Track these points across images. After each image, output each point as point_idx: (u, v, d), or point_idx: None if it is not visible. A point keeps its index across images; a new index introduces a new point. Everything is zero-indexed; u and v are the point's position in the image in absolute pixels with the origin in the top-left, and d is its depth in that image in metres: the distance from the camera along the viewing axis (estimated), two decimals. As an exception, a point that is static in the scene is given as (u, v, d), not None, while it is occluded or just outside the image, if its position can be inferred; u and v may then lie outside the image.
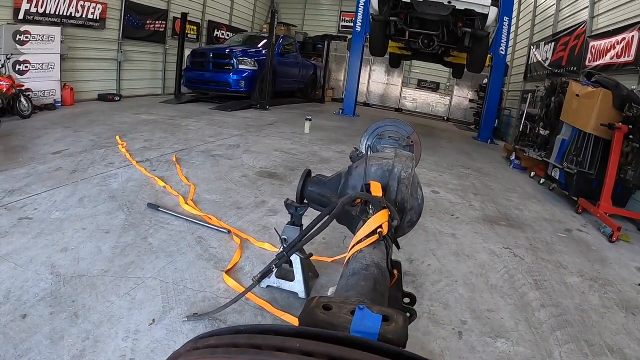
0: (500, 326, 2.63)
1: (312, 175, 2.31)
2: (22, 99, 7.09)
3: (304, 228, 1.99)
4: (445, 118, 16.49)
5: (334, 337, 0.39)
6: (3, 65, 7.14)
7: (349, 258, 1.27)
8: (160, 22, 11.70)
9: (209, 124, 8.12)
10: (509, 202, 5.55)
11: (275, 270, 2.35)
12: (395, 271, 1.37)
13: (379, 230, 1.35)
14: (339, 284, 1.13)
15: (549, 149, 6.59)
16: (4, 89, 6.70)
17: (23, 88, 7.33)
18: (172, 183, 4.49)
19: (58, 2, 8.43)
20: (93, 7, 9.31)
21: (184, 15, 11.56)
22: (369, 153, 2.41)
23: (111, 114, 8.14)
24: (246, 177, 5.02)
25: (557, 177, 6.14)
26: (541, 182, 6.82)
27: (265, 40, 11.83)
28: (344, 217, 1.80)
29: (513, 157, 8.25)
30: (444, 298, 2.88)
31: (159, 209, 3.73)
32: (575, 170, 5.58)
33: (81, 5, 8.99)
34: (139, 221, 3.47)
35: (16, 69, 7.59)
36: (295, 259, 2.53)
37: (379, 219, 1.40)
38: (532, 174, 7.35)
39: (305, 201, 2.32)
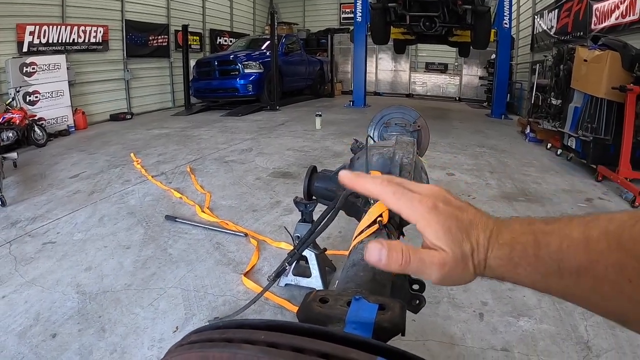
0: (522, 305, 2.59)
1: (318, 170, 2.32)
2: (36, 129, 7.29)
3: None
4: (457, 98, 16.25)
5: (299, 328, 0.42)
6: (14, 99, 7.32)
7: (350, 250, 1.28)
8: (162, 37, 11.84)
9: (221, 131, 8.21)
10: (526, 177, 5.46)
11: (289, 268, 2.38)
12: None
13: (378, 219, 1.36)
14: (340, 277, 1.15)
15: (562, 118, 6.44)
16: (17, 121, 6.89)
17: (36, 118, 7.54)
18: (188, 193, 4.57)
19: (60, 31, 8.63)
20: (94, 31, 9.50)
21: (185, 27, 11.64)
22: (369, 143, 2.41)
23: (124, 132, 8.31)
24: (260, 179, 5.07)
25: (573, 147, 6.00)
26: (558, 153, 6.67)
27: (268, 42, 11.85)
28: (352, 210, 1.81)
29: (528, 131, 8.10)
30: (463, 281, 2.86)
31: (177, 220, 3.80)
32: (591, 138, 5.43)
33: (82, 31, 9.18)
34: (158, 234, 3.55)
35: (27, 100, 7.80)
36: (310, 255, 2.56)
37: (378, 209, 1.40)
38: (549, 145, 7.20)
39: (313, 197, 2.34)
